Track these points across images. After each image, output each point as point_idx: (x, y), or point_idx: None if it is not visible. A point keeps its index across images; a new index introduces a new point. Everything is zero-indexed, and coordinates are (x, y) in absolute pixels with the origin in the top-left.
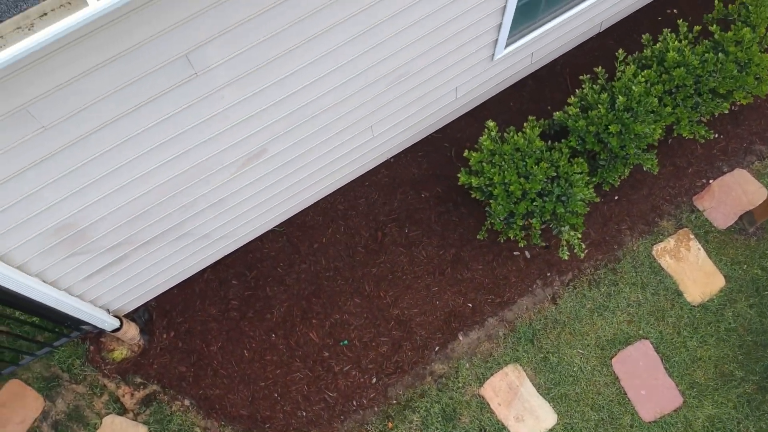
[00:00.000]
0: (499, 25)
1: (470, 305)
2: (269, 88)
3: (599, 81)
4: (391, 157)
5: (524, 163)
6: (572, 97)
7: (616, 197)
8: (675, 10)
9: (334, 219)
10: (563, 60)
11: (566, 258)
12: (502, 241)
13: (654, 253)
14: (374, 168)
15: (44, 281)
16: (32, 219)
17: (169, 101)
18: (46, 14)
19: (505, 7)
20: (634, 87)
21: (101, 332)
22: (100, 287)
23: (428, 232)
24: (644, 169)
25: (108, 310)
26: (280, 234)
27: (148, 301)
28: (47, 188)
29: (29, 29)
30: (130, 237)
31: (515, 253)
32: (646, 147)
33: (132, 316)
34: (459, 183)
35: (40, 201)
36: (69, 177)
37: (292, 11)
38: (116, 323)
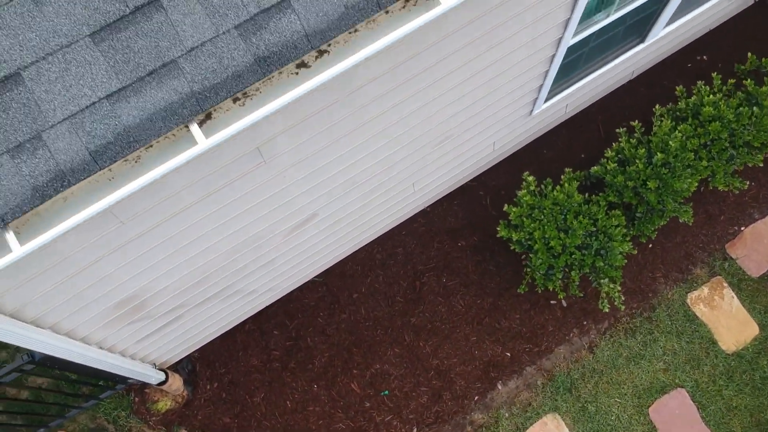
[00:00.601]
0: (541, 86)
1: (508, 354)
2: (327, 166)
3: (636, 135)
4: (427, 206)
5: (563, 217)
6: (609, 151)
7: (650, 245)
8: (705, 57)
9: (373, 268)
10: (595, 107)
11: (606, 311)
12: (539, 291)
13: (688, 301)
14: (411, 217)
15: (101, 348)
16: (101, 298)
17: (238, 188)
18: (151, 146)
19: (548, 71)
20: (671, 142)
21: (146, 384)
22: (151, 346)
23: (466, 281)
24: (680, 220)
25: (154, 364)
26: (320, 284)
27: (191, 353)
28: (119, 271)
29: (135, 162)
30: (186, 301)
31: (552, 301)
32: (682, 200)
33: (176, 367)
34: (498, 236)
35: (110, 283)
36: (140, 258)
37: (354, 101)
38: (162, 377)
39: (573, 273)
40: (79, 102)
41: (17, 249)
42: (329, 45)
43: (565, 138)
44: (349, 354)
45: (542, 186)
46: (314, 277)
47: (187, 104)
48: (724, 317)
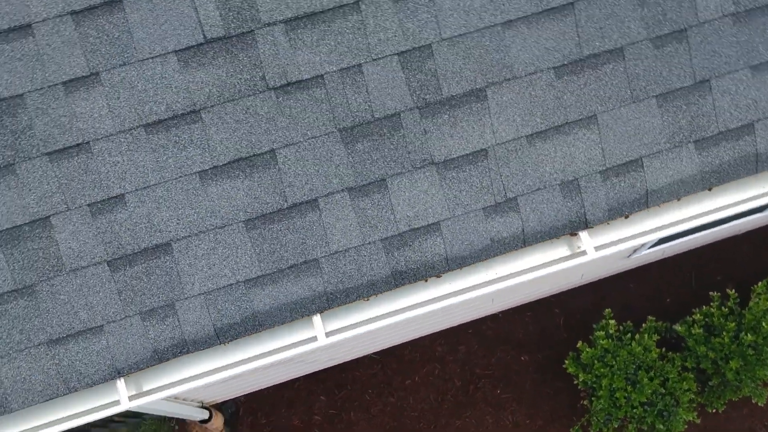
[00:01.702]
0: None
1: None
2: None
3: (729, 304)
4: (499, 311)
5: (635, 367)
6: (698, 313)
7: (713, 410)
8: None
9: (431, 360)
10: (692, 253)
11: None
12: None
13: None
14: (480, 318)
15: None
16: None
17: None
18: None
19: None
20: (764, 323)
21: None
22: (207, 393)
23: (520, 397)
24: (753, 401)
25: (201, 403)
26: (376, 360)
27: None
28: None
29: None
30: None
31: None
32: (761, 383)
33: (220, 406)
34: (565, 368)
35: None
36: None
37: None
38: (206, 415)
39: (631, 426)
40: (218, 281)
41: (126, 403)
42: None
43: (654, 277)
44: None
45: (621, 328)
46: (372, 353)
47: (317, 301)
48: None
